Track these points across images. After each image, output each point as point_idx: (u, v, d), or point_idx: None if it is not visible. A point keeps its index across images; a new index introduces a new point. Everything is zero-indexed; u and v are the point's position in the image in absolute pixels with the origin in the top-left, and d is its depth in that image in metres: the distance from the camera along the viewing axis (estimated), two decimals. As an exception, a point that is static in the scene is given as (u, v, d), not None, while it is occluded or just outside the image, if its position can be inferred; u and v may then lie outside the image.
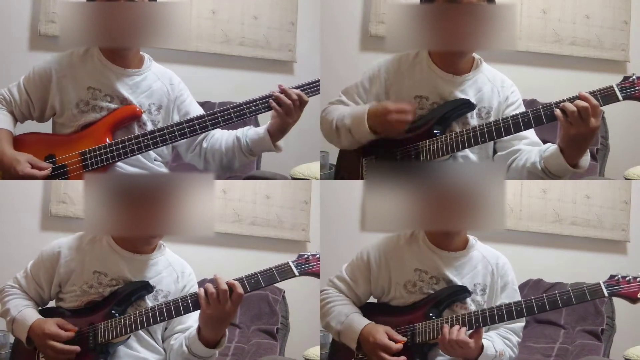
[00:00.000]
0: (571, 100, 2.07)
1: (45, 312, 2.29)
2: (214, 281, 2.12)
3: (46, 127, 2.41)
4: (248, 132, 2.36)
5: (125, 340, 2.22)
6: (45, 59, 2.38)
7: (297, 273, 2.20)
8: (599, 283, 2.17)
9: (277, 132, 2.33)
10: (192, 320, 2.24)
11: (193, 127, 2.29)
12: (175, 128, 2.29)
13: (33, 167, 2.26)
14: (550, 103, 2.11)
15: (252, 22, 3.45)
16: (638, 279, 2.15)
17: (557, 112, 2.08)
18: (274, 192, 3.39)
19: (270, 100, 2.28)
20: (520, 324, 2.32)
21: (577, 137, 2.07)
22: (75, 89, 2.33)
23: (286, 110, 2.27)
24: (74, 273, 2.26)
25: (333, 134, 2.33)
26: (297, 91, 2.27)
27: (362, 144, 2.29)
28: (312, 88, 2.30)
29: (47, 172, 2.27)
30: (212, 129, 2.33)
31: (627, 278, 2.16)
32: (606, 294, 2.16)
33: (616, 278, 2.17)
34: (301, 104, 2.28)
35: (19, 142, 2.32)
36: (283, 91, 2.27)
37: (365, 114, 2.23)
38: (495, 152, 2.32)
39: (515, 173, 2.24)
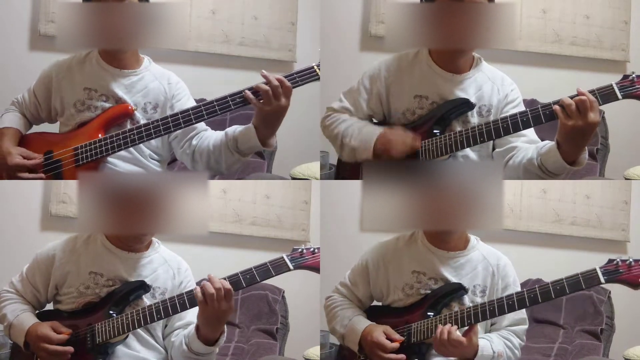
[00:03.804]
0: (571, 98, 2.08)
1: (44, 315, 2.30)
2: (209, 281, 2.11)
3: (56, 128, 2.46)
4: (237, 128, 2.30)
5: (123, 340, 2.22)
6: (50, 63, 2.44)
7: (291, 267, 2.18)
8: (595, 269, 2.08)
9: (260, 124, 2.24)
10: (190, 315, 2.25)
11: (177, 121, 2.28)
12: (159, 122, 2.29)
13: (24, 158, 2.32)
14: (549, 103, 2.11)
15: (252, 22, 3.45)
16: None
17: (556, 107, 2.08)
18: (274, 192, 3.39)
19: (245, 91, 2.22)
20: (522, 327, 2.29)
21: (574, 130, 2.06)
22: (73, 90, 2.37)
23: (265, 98, 2.19)
24: (70, 275, 2.27)
25: (337, 146, 2.34)
26: (278, 76, 2.20)
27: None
28: (303, 76, 2.23)
29: (36, 161, 2.31)
30: (196, 122, 2.29)
31: (628, 261, 2.06)
32: (603, 281, 2.06)
33: (615, 262, 2.06)
34: (284, 90, 2.19)
35: (25, 140, 2.39)
36: (264, 77, 2.20)
37: (372, 142, 2.24)
38: (494, 148, 2.32)
39: (512, 171, 2.23)
